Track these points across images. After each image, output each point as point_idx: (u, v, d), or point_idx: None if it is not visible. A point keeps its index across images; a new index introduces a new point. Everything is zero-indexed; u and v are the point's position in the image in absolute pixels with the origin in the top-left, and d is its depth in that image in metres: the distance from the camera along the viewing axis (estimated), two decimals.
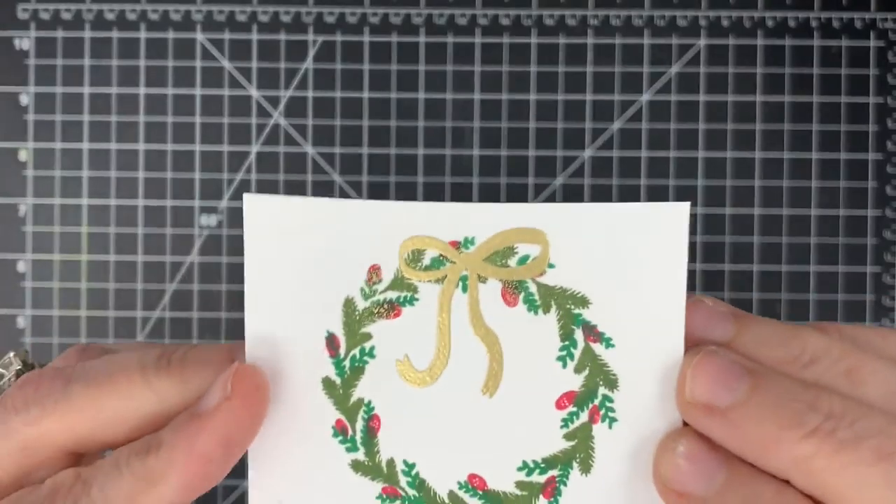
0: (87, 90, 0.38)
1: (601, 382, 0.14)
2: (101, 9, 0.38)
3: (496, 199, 0.38)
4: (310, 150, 0.38)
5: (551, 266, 0.14)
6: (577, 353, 0.14)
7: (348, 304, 0.15)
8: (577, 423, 0.14)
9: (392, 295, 0.14)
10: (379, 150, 0.38)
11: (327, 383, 0.15)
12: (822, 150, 0.38)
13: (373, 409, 0.15)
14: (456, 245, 0.14)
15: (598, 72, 0.38)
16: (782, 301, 0.38)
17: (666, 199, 0.38)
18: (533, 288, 0.14)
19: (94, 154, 0.38)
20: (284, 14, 0.38)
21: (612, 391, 0.14)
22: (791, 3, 0.38)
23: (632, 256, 0.14)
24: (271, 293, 0.15)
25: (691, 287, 0.38)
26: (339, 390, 0.15)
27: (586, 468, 0.15)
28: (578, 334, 0.14)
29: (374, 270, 0.14)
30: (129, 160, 0.38)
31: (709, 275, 0.38)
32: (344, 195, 0.38)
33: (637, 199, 0.38)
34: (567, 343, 0.14)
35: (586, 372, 0.14)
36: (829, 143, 0.38)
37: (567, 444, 0.14)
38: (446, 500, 0.15)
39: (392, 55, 0.38)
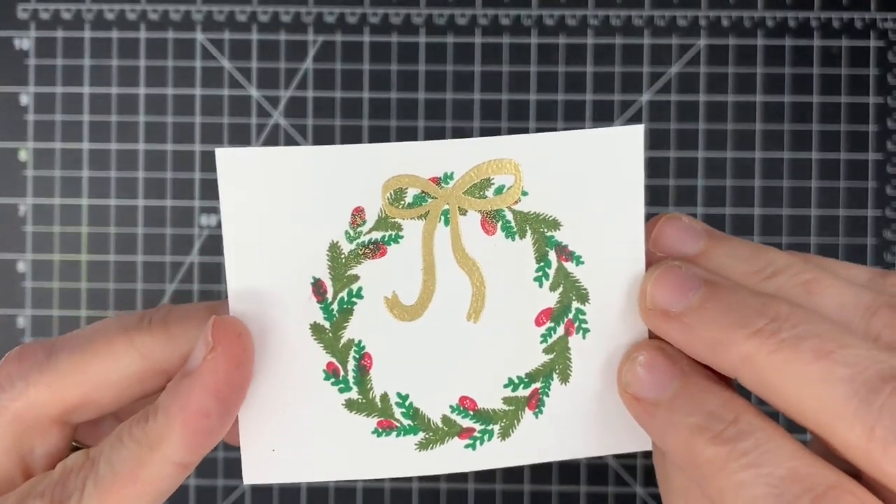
0: (86, 90, 0.38)
1: (574, 297, 0.16)
2: (100, 9, 0.38)
3: None
4: None
5: (525, 193, 0.15)
6: (551, 272, 0.15)
7: (333, 248, 0.15)
8: (554, 337, 0.16)
9: (377, 235, 0.15)
10: None
11: (316, 328, 0.15)
12: (822, 150, 0.38)
13: (364, 347, 0.15)
14: (436, 181, 0.14)
15: (598, 72, 0.38)
16: None
17: (667, 201, 0.38)
18: (510, 216, 0.15)
19: (93, 154, 0.38)
20: (284, 14, 0.38)
21: (584, 304, 0.16)
22: (791, 3, 0.38)
23: (595, 178, 0.15)
24: (251, 246, 0.15)
25: None
26: (329, 333, 0.15)
27: (565, 378, 0.16)
28: (552, 255, 0.15)
29: (358, 213, 0.15)
30: (129, 160, 0.38)
31: None
32: None
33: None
34: (542, 264, 0.15)
35: (560, 289, 0.16)
36: (829, 143, 0.38)
37: (547, 357, 0.16)
38: (440, 424, 0.15)
39: (392, 55, 0.38)
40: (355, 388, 0.16)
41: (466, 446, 0.15)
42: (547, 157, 0.15)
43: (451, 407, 0.16)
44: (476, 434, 0.16)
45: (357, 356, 0.15)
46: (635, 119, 0.38)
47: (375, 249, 0.15)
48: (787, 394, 0.17)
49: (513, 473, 0.38)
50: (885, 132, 0.38)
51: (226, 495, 0.38)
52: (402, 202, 0.14)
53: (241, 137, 0.38)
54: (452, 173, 0.14)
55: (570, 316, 0.16)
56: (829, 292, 0.19)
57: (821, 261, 0.20)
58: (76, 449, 0.22)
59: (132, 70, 0.38)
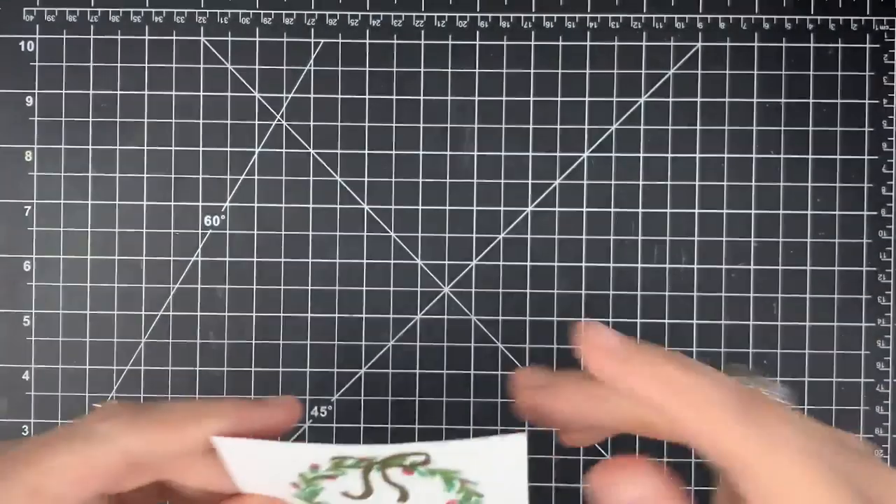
0: (91, 92, 0.39)
1: (473, 496, 0.21)
2: (105, 11, 0.39)
3: (496, 201, 0.38)
4: (311, 151, 0.39)
5: (433, 462, 0.21)
6: (455, 488, 0.21)
7: (300, 475, 0.22)
8: None
9: (328, 473, 0.21)
10: (379, 152, 0.39)
11: (298, 496, 0.22)
12: (819, 151, 0.38)
13: None
14: (365, 459, 0.21)
15: (597, 74, 0.38)
16: (779, 300, 0.38)
17: (665, 202, 0.38)
18: (423, 468, 0.21)
19: (98, 155, 0.39)
20: (287, 17, 0.39)
21: (481, 498, 0.21)
22: (787, 5, 0.39)
23: (486, 479, 0.21)
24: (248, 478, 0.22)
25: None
26: (308, 500, 0.22)
27: None
28: (456, 482, 0.21)
29: (313, 467, 0.21)
30: (133, 161, 0.39)
31: (706, 273, 0.38)
32: (345, 195, 0.39)
33: (635, 201, 0.38)
34: (448, 485, 0.21)
35: (462, 494, 0.21)
36: (825, 144, 0.38)
37: None
38: None
39: (393, 58, 0.39)
40: None
41: None
42: (448, 456, 0.20)
43: None
44: None
45: None
46: (633, 120, 0.38)
47: (328, 478, 0.22)
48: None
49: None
50: (880, 133, 0.38)
51: None
52: (344, 462, 0.21)
53: (244, 139, 0.39)
54: (375, 458, 0.21)
55: (472, 502, 0.22)
56: None
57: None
58: None
59: (136, 72, 0.39)
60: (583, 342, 0.20)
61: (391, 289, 0.38)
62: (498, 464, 0.20)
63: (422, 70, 0.39)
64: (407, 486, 0.21)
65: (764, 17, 0.39)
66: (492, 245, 0.38)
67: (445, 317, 0.38)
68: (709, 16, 0.39)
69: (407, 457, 0.21)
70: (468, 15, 0.39)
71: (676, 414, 0.19)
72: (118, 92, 0.39)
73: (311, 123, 0.39)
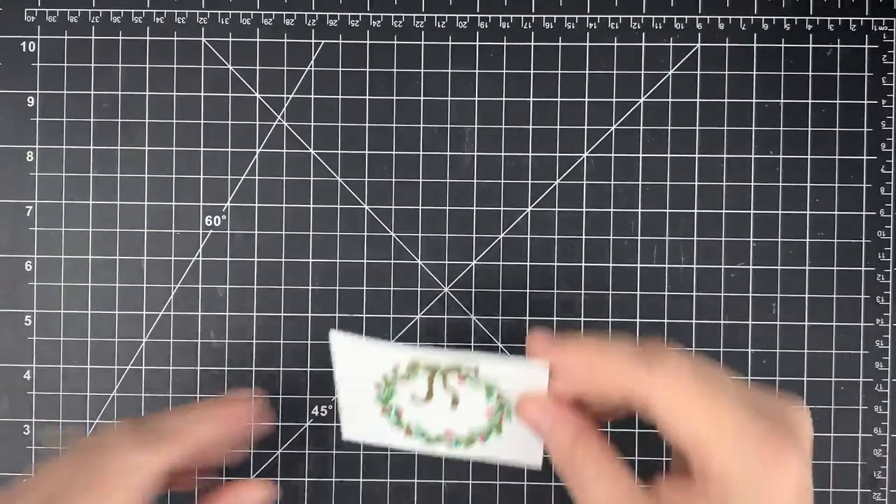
0: (93, 92, 0.39)
1: (506, 405, 0.30)
2: (106, 12, 0.39)
3: (496, 201, 0.38)
4: (312, 151, 0.39)
5: (481, 373, 0.29)
6: (493, 398, 0.29)
7: (383, 377, 0.30)
8: (495, 420, 0.30)
9: (404, 376, 0.30)
10: (380, 152, 0.39)
11: (377, 398, 0.31)
12: (818, 151, 0.38)
13: (398, 408, 0.31)
14: (433, 368, 0.30)
15: (596, 74, 0.39)
16: (778, 300, 0.38)
17: (664, 202, 0.38)
18: (473, 378, 0.29)
19: (99, 155, 0.39)
20: (287, 18, 0.39)
21: (509, 412, 0.30)
22: (786, 6, 0.39)
23: (515, 380, 0.29)
24: (352, 374, 0.30)
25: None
26: (384, 401, 0.31)
27: (500, 431, 0.30)
28: (494, 393, 0.29)
29: (395, 369, 0.30)
30: (134, 161, 0.39)
31: (705, 273, 0.38)
32: (345, 195, 0.39)
33: (635, 201, 0.38)
34: (489, 395, 0.29)
35: (498, 401, 0.30)
36: (824, 144, 0.38)
37: (490, 425, 0.30)
38: (433, 438, 0.31)
39: (393, 58, 0.39)
40: (395, 421, 0.31)
41: (448, 448, 0.31)
42: (490, 365, 0.29)
43: (441, 433, 0.31)
44: (452, 443, 0.31)
45: (396, 410, 0.31)
46: (633, 121, 0.38)
47: (404, 379, 0.30)
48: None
49: (512, 471, 0.38)
50: (879, 134, 0.38)
51: None
52: (416, 368, 0.30)
53: (244, 139, 0.39)
54: (440, 364, 0.29)
55: (504, 411, 0.30)
56: None
57: None
58: None
59: (138, 73, 0.39)
60: (529, 340, 0.28)
61: (391, 289, 0.39)
62: (524, 380, 0.28)
63: (422, 70, 0.39)
64: (459, 392, 0.30)
65: (763, 17, 0.39)
66: (492, 245, 0.39)
67: (445, 317, 0.39)
68: (708, 16, 0.39)
69: (463, 366, 0.29)
70: (468, 16, 0.39)
71: (602, 375, 0.26)
72: (119, 92, 0.39)
73: (312, 124, 0.39)
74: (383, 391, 0.30)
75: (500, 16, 0.39)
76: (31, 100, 0.39)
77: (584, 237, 0.38)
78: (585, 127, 0.39)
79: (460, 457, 0.31)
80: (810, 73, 0.39)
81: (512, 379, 0.29)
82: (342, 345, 0.29)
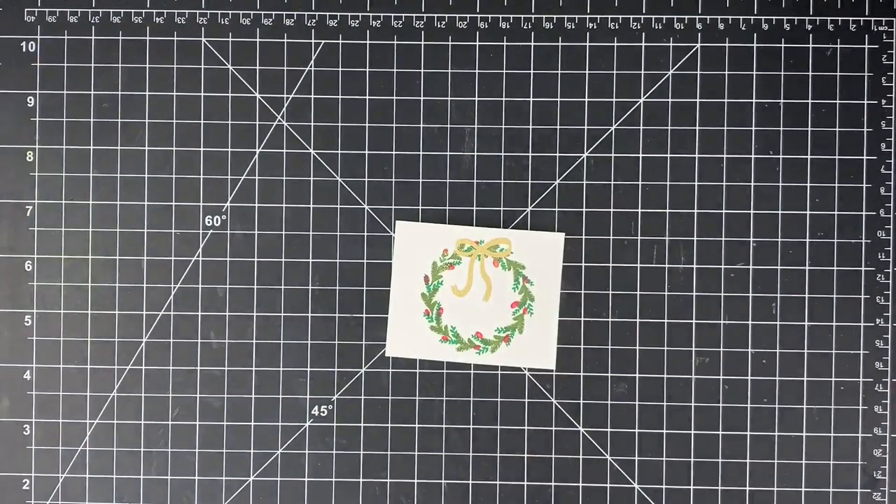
0: (92, 92, 0.39)
1: (528, 298, 0.37)
2: (106, 12, 0.39)
3: (496, 202, 0.38)
4: (312, 151, 0.39)
5: (513, 252, 0.37)
6: (519, 286, 0.37)
7: (433, 264, 0.37)
8: (518, 314, 0.37)
9: (451, 261, 0.37)
10: (379, 152, 0.39)
11: (423, 295, 0.38)
12: (818, 151, 0.38)
13: (440, 304, 0.37)
14: (477, 243, 0.37)
15: (596, 74, 0.39)
16: (778, 300, 0.38)
17: (664, 201, 0.38)
18: (505, 261, 0.37)
19: (99, 155, 0.39)
20: (287, 18, 0.39)
21: (532, 302, 0.37)
22: (786, 6, 0.39)
23: (540, 256, 0.37)
24: (408, 256, 0.38)
25: (690, 283, 0.38)
26: (428, 298, 0.38)
27: (522, 330, 0.37)
28: (520, 279, 0.37)
29: (444, 252, 0.37)
30: (134, 161, 0.39)
31: (705, 272, 0.38)
32: (345, 195, 0.39)
33: (634, 201, 0.38)
34: (515, 282, 0.37)
35: (522, 294, 0.37)
36: (824, 144, 0.38)
37: (514, 321, 0.37)
38: (466, 342, 0.37)
39: (393, 58, 0.39)
40: (435, 321, 0.38)
41: (477, 353, 0.38)
42: (515, 240, 0.37)
43: (472, 335, 0.38)
44: (481, 349, 0.38)
45: (438, 308, 0.37)
46: (633, 121, 0.38)
47: (449, 266, 0.37)
48: None
49: (512, 472, 0.38)
50: (879, 134, 0.38)
51: (231, 489, 0.38)
52: (462, 249, 0.37)
53: (244, 139, 0.39)
54: (482, 240, 0.37)
55: (526, 306, 0.37)
56: None
57: None
58: None
59: (138, 73, 0.39)
60: None
61: (391, 289, 0.39)
62: (543, 250, 0.37)
63: (422, 70, 0.39)
64: (493, 280, 0.37)
65: (763, 17, 0.39)
66: None
67: None
68: (708, 16, 0.39)
69: (498, 244, 0.37)
70: (468, 16, 0.39)
71: None
72: (119, 92, 0.39)
73: (312, 124, 0.39)
74: (430, 285, 0.37)
75: (500, 16, 0.39)
76: (31, 100, 0.39)
77: (584, 237, 0.38)
78: (585, 127, 0.39)
79: (487, 363, 0.37)
80: (810, 73, 0.39)
81: (535, 250, 0.37)
82: (406, 230, 0.37)
